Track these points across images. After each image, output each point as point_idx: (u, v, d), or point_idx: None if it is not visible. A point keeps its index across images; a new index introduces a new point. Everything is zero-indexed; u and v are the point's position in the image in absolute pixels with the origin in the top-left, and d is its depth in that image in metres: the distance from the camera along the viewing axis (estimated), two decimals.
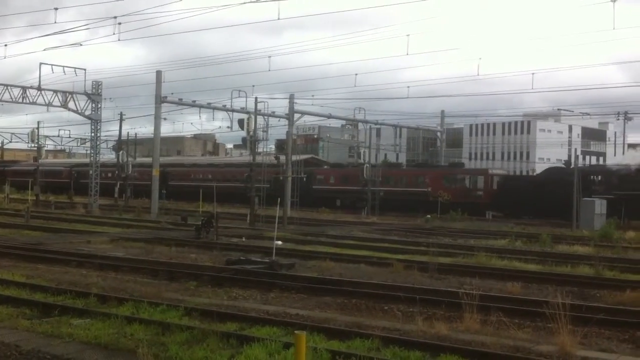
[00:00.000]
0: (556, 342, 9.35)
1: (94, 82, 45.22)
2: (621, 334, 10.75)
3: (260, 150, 41.75)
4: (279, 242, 21.97)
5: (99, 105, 45.53)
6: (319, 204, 51.22)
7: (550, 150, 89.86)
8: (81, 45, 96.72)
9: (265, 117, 44.04)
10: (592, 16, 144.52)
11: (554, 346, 9.30)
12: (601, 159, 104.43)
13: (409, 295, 12.87)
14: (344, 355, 8.36)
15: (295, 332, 6.02)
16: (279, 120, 50.63)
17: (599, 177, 45.27)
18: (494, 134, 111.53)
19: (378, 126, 64.99)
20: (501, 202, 47.52)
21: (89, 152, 52.83)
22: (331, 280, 15.44)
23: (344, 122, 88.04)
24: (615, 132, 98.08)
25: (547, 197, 42.94)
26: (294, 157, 45.73)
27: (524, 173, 56.48)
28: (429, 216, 42.07)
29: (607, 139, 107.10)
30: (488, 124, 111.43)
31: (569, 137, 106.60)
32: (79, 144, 65.86)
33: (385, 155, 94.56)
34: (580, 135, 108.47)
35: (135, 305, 11.63)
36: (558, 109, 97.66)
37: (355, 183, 52.55)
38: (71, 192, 60.72)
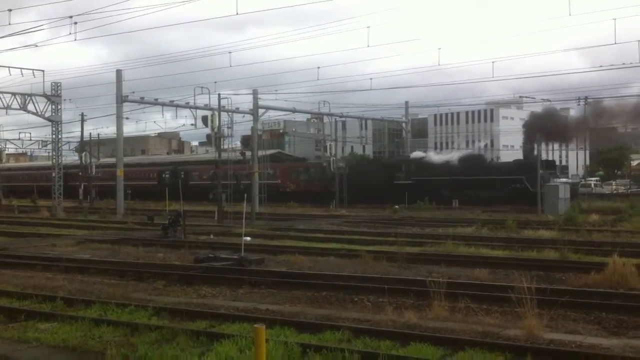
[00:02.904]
0: (523, 326, 9.47)
1: (53, 84, 44.49)
2: (587, 316, 10.89)
3: (225, 146, 41.61)
4: (248, 238, 21.86)
5: (59, 107, 44.83)
6: (194, 198, 50.05)
7: (514, 137, 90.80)
8: (36, 46, 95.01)
9: (230, 113, 43.84)
10: (548, 3, 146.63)
11: (522, 330, 9.43)
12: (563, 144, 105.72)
13: (378, 285, 12.94)
14: (314, 348, 8.38)
15: (254, 325, 6.01)
16: (243, 116, 50.48)
17: (403, 166, 52.14)
18: (458, 122, 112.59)
19: (343, 119, 65.16)
20: (333, 190, 51.34)
21: (51, 154, 52.00)
22: (301, 274, 15.45)
23: (309, 115, 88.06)
24: None
25: (364, 183, 50.56)
26: (260, 153, 45.59)
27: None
28: (397, 207, 42.41)
29: None
30: (452, 113, 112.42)
31: None
32: (40, 147, 64.77)
33: (352, 147, 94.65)
34: None
35: (102, 307, 11.52)
36: (520, 97, 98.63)
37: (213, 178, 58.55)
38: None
